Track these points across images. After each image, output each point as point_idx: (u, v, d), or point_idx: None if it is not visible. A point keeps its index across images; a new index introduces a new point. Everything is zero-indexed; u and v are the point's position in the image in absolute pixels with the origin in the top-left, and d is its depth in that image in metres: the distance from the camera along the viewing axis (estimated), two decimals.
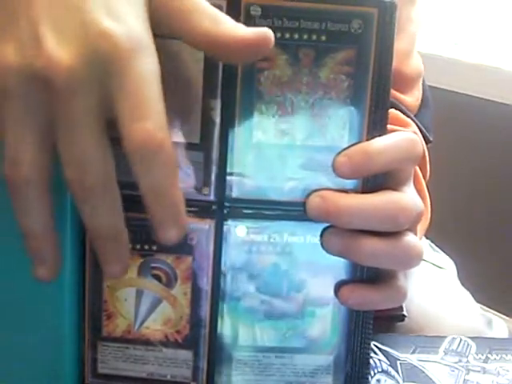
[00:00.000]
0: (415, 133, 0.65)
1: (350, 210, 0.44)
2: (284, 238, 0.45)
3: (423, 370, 0.56)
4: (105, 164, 0.37)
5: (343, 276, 0.46)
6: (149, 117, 0.36)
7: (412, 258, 0.46)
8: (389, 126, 0.46)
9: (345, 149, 0.44)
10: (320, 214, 0.44)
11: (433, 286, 0.77)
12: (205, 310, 0.46)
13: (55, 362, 0.47)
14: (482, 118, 1.46)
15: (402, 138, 0.45)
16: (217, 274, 0.46)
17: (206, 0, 0.39)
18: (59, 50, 0.36)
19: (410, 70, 0.72)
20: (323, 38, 0.43)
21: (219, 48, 0.39)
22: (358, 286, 0.46)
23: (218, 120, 0.44)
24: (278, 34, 0.42)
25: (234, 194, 0.45)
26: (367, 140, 0.44)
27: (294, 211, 0.45)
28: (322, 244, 0.45)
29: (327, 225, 0.45)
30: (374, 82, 0.44)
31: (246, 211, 0.45)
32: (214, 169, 0.44)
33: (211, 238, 0.45)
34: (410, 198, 0.46)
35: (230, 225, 0.45)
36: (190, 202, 0.45)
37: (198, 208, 0.45)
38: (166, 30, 0.39)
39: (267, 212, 0.45)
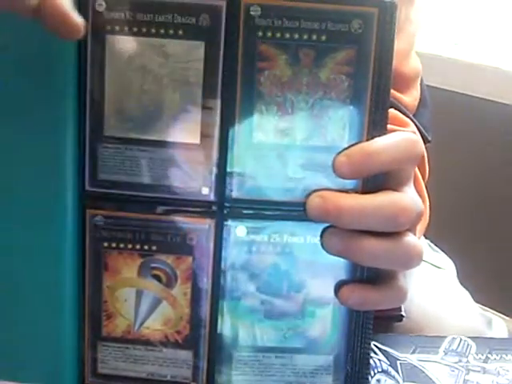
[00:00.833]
0: (414, 133, 0.65)
1: (350, 211, 0.44)
2: (284, 239, 0.45)
3: (423, 370, 0.56)
4: None
5: (343, 276, 0.46)
6: None
7: (412, 259, 0.46)
8: (388, 126, 0.46)
9: (345, 149, 0.44)
10: (320, 214, 0.44)
11: (432, 286, 0.77)
12: (205, 310, 0.46)
13: (55, 361, 0.47)
14: (482, 117, 1.46)
15: (401, 138, 0.45)
16: (217, 274, 0.46)
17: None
18: None
19: (408, 70, 0.72)
20: (323, 38, 0.43)
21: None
22: (358, 286, 0.46)
23: (217, 120, 0.44)
24: (278, 34, 0.42)
25: (234, 194, 0.45)
26: (367, 140, 0.44)
27: (294, 211, 0.45)
28: (321, 244, 0.45)
29: (327, 225, 0.45)
30: (374, 82, 0.44)
31: (245, 211, 0.45)
32: (213, 169, 0.44)
33: (211, 238, 0.45)
34: (410, 198, 0.46)
35: (229, 225, 0.45)
36: (190, 202, 0.45)
37: (198, 208, 0.45)
38: None
39: (267, 212, 0.45)
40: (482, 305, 0.83)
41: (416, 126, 0.69)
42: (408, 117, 0.69)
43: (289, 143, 0.44)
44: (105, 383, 0.48)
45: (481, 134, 1.48)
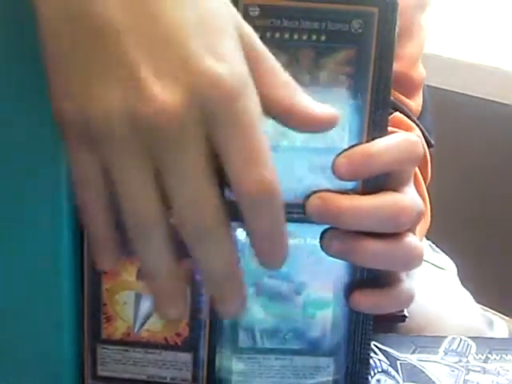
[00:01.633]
0: (418, 136, 0.65)
1: (351, 212, 0.44)
2: None
3: (423, 369, 0.56)
4: (218, 206, 0.37)
5: (343, 278, 0.46)
6: (262, 164, 0.36)
7: (413, 259, 0.46)
8: (392, 129, 0.46)
9: (344, 150, 0.44)
10: (320, 215, 0.44)
11: (433, 287, 0.77)
12: (204, 313, 0.46)
13: (55, 364, 0.47)
14: (482, 117, 1.46)
15: (402, 138, 0.45)
16: None
17: None
18: (165, 95, 0.34)
19: (416, 76, 0.73)
20: (323, 38, 0.42)
21: (291, 118, 0.39)
22: (370, 291, 0.46)
23: None
24: (277, 35, 0.42)
25: (234, 195, 0.45)
26: (367, 141, 0.44)
27: (294, 213, 0.45)
28: (321, 246, 0.45)
29: (327, 227, 0.45)
30: (375, 83, 0.44)
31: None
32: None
33: None
34: (411, 198, 0.45)
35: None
36: None
37: None
38: None
39: None
40: (483, 305, 0.83)
41: (420, 130, 0.70)
42: (413, 121, 0.69)
43: (288, 145, 0.44)
44: None
45: (481, 134, 1.48)
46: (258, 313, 0.46)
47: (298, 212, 0.45)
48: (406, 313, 0.63)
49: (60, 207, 0.44)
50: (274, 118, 0.39)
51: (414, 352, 0.57)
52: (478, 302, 0.81)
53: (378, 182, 0.45)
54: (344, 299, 0.46)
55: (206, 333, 0.47)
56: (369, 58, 0.43)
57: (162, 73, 0.35)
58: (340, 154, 0.44)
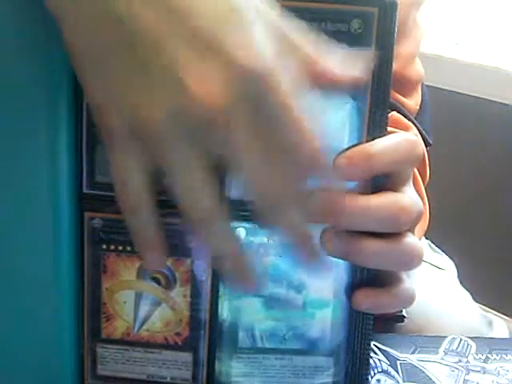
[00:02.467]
0: (416, 136, 0.65)
1: (351, 211, 0.44)
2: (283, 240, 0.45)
3: (423, 370, 0.56)
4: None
5: (343, 278, 0.46)
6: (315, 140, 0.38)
7: (412, 259, 0.46)
8: (390, 129, 0.45)
9: (344, 150, 0.44)
10: (320, 215, 0.44)
11: (433, 287, 0.77)
12: (204, 312, 0.46)
13: (55, 363, 0.47)
14: (482, 117, 1.46)
15: (402, 139, 0.45)
16: (216, 276, 0.46)
17: None
18: (205, 93, 0.36)
19: (413, 74, 0.72)
20: (323, 37, 0.43)
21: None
22: (370, 291, 0.46)
23: None
24: None
25: (232, 195, 0.45)
26: (367, 141, 0.44)
27: None
28: (321, 246, 0.45)
29: (326, 226, 0.45)
30: (374, 83, 0.44)
31: (243, 213, 0.45)
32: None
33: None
34: (410, 197, 0.45)
35: None
36: None
37: None
38: None
39: None
40: (483, 305, 0.83)
41: (418, 129, 0.69)
42: (411, 121, 0.69)
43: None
44: None
45: (481, 133, 1.48)
46: (257, 313, 0.46)
47: None
48: (404, 313, 0.64)
49: (60, 206, 0.44)
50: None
51: (414, 352, 0.57)
52: (478, 302, 0.81)
53: (378, 182, 0.45)
54: (344, 299, 0.46)
55: (206, 333, 0.47)
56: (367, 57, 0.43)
57: (199, 69, 0.36)
58: (340, 153, 0.43)
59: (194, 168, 0.38)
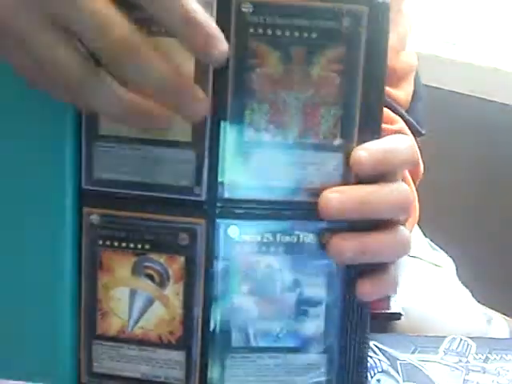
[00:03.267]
0: (401, 130, 0.66)
1: (368, 200, 0.44)
2: (276, 238, 0.45)
3: (423, 370, 0.56)
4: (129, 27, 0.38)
5: (337, 274, 0.46)
6: None
7: (405, 248, 0.46)
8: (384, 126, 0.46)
9: (339, 149, 0.44)
10: (339, 209, 0.44)
11: (432, 285, 0.77)
12: (197, 311, 0.46)
13: (52, 359, 0.47)
14: (481, 117, 1.46)
15: (407, 141, 0.46)
16: (209, 274, 0.46)
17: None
18: None
19: (400, 65, 0.71)
20: (314, 35, 0.43)
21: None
22: (369, 279, 0.46)
23: (209, 118, 0.44)
24: (270, 31, 0.43)
25: (226, 193, 0.45)
26: (359, 138, 0.44)
27: (287, 210, 0.45)
28: (323, 248, 0.45)
29: (323, 223, 0.45)
30: (366, 81, 0.44)
31: (237, 211, 0.45)
32: (205, 168, 0.44)
33: (203, 237, 0.45)
34: (407, 187, 0.46)
35: (222, 225, 0.45)
36: (181, 202, 0.45)
37: (190, 207, 0.45)
38: None
39: (259, 212, 0.45)
40: (482, 304, 0.83)
41: (405, 120, 0.69)
42: (398, 113, 0.68)
43: (280, 141, 0.44)
44: (100, 382, 0.48)
45: (481, 134, 1.48)
46: (251, 311, 0.46)
47: (290, 209, 0.45)
48: (401, 311, 0.64)
49: (61, 204, 0.45)
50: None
51: (414, 352, 0.57)
52: (478, 301, 0.81)
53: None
54: (338, 296, 0.46)
55: (199, 331, 0.46)
56: (358, 56, 0.43)
57: None
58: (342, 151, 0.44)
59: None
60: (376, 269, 0.46)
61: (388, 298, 0.64)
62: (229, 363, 0.47)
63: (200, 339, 0.46)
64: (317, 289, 0.46)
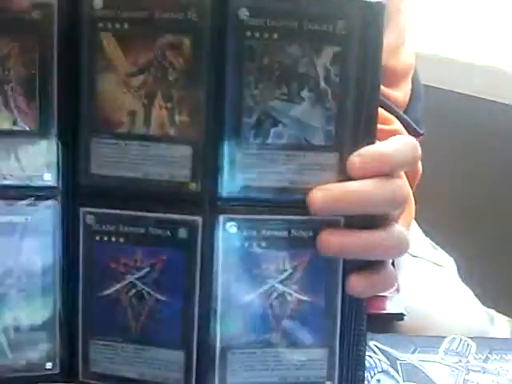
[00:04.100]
0: (396, 130, 0.65)
1: (356, 193, 0.44)
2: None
3: (423, 370, 0.56)
4: None
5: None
6: None
7: (401, 246, 0.46)
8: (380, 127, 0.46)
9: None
10: (326, 205, 0.44)
11: (433, 285, 0.77)
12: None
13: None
14: (481, 117, 1.46)
15: (407, 142, 0.46)
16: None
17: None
18: None
19: (399, 65, 0.71)
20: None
21: None
22: (363, 274, 0.46)
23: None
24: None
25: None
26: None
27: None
28: (320, 246, 0.45)
29: (320, 220, 0.45)
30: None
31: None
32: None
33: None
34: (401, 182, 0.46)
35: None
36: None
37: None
38: None
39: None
40: (483, 304, 0.83)
41: (401, 121, 0.68)
42: (395, 113, 0.68)
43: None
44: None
45: (480, 134, 1.48)
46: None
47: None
48: (404, 311, 0.64)
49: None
50: None
51: (414, 352, 0.57)
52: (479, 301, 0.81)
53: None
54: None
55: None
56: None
57: None
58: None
59: None
60: (370, 265, 0.46)
61: (385, 298, 0.64)
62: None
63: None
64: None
